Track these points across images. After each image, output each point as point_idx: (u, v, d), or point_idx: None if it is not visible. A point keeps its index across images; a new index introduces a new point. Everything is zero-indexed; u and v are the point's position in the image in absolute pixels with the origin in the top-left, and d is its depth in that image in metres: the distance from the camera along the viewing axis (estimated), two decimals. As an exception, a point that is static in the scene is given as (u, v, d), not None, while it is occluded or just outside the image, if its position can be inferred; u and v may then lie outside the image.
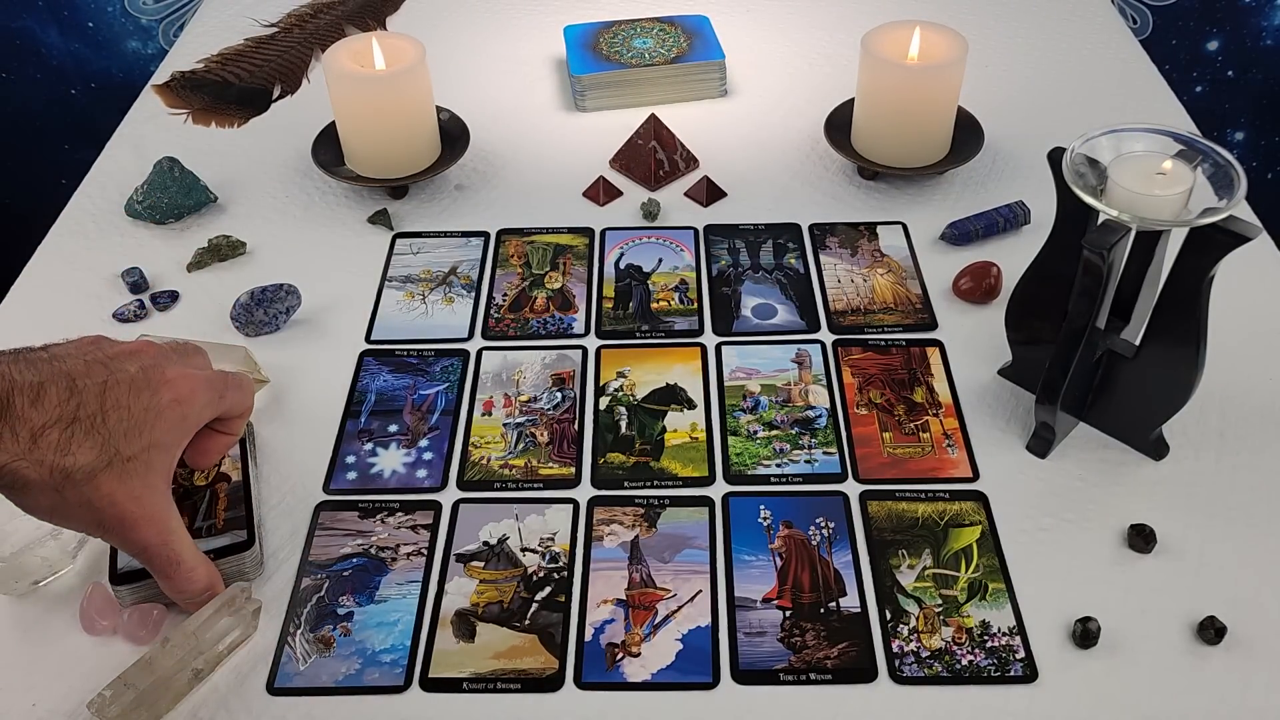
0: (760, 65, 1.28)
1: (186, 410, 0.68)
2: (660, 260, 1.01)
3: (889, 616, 0.72)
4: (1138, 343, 0.79)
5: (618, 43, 1.23)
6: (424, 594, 0.74)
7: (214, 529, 0.74)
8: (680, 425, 0.85)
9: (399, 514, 0.79)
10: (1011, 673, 0.69)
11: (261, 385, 0.87)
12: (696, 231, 1.04)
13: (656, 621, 0.72)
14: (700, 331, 0.93)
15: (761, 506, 0.79)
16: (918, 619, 0.72)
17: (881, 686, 0.68)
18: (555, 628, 0.72)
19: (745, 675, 0.69)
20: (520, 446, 0.84)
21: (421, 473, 0.82)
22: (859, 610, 0.72)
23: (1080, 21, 1.34)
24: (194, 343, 0.75)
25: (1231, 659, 0.69)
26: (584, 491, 0.80)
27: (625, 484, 0.81)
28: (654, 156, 1.09)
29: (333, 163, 1.08)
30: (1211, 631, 0.69)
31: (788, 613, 0.72)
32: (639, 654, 0.70)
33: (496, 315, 0.95)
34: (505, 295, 0.97)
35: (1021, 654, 0.70)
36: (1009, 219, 1.02)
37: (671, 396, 0.87)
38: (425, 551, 0.76)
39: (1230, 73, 1.68)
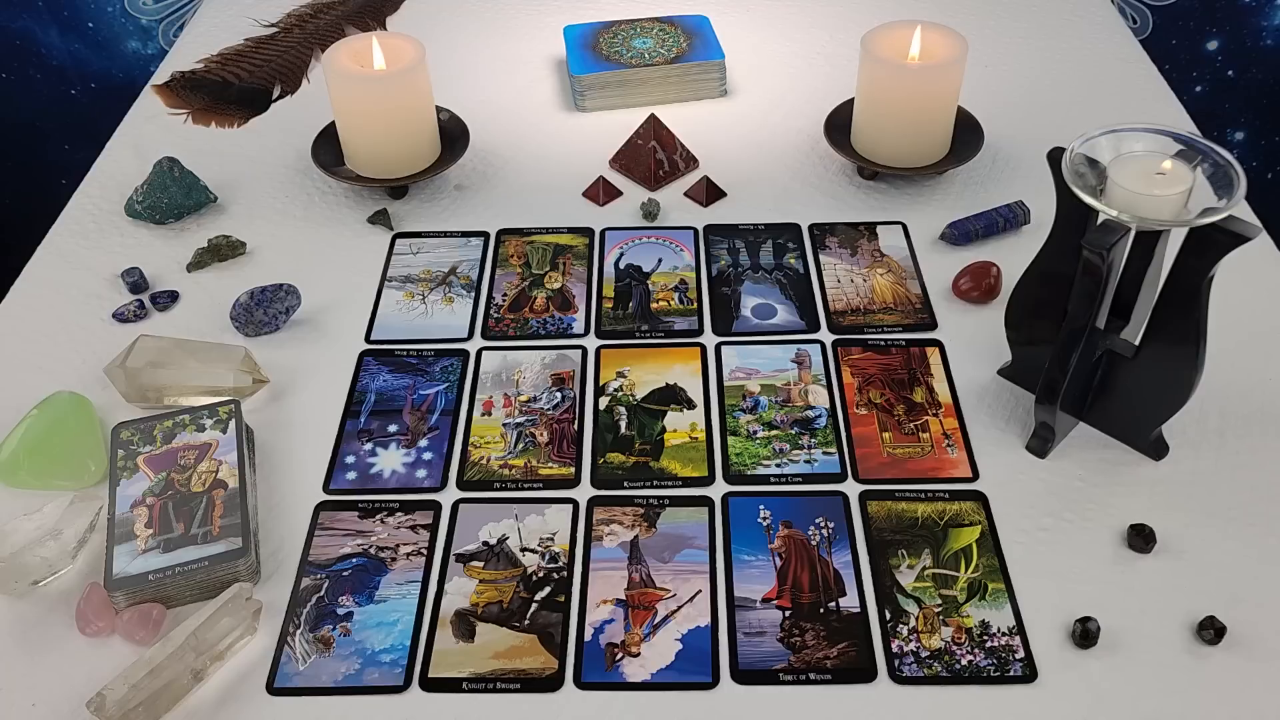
0: (760, 65, 1.28)
1: None
2: (660, 260, 1.01)
3: (889, 616, 0.72)
4: (1137, 343, 0.79)
5: (617, 43, 1.23)
6: (424, 594, 0.74)
7: (210, 536, 0.74)
8: (680, 425, 0.85)
9: (399, 514, 0.79)
10: (1011, 673, 0.69)
11: (261, 385, 0.87)
12: (696, 231, 1.04)
13: (656, 621, 0.72)
14: (700, 331, 0.93)
15: (761, 506, 0.79)
16: (917, 619, 0.72)
17: (881, 686, 0.68)
18: (555, 628, 0.72)
19: (745, 675, 0.69)
20: (520, 446, 0.84)
21: (421, 473, 0.82)
22: (859, 610, 0.72)
23: (1080, 21, 1.34)
24: None
25: (1231, 659, 0.69)
26: (584, 491, 0.80)
27: (625, 484, 0.81)
28: (654, 156, 1.09)
29: (333, 163, 1.07)
30: (1211, 631, 0.69)
31: (787, 613, 0.72)
32: (638, 654, 0.70)
33: (496, 315, 0.95)
34: (505, 295, 0.97)
35: (1021, 654, 0.70)
36: (1009, 219, 1.02)
37: (671, 396, 0.87)
38: (425, 551, 0.76)
39: (1230, 73, 1.67)
